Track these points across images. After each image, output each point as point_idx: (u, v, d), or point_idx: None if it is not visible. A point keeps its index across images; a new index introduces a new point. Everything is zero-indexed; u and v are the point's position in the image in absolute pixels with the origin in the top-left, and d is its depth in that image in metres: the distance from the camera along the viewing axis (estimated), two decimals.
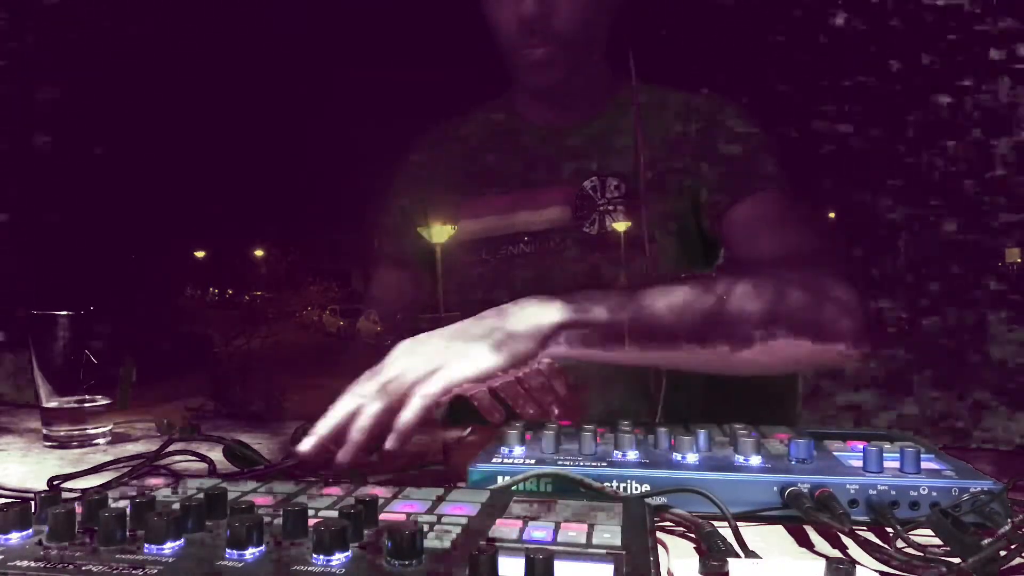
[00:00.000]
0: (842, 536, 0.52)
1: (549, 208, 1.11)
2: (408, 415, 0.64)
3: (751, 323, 0.77)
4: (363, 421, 0.64)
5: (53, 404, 0.84)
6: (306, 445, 0.62)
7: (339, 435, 0.65)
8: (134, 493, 0.49)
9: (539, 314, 0.72)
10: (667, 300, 0.77)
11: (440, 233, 1.04)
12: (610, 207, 1.09)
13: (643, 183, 1.07)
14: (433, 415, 0.67)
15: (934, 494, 0.55)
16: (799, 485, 0.56)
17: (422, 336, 0.72)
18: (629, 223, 1.08)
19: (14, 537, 0.41)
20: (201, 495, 0.46)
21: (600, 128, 1.13)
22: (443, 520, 0.45)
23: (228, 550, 0.39)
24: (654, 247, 1.05)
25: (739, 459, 0.60)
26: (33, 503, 0.44)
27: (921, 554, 0.47)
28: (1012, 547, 0.45)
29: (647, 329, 0.76)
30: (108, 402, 0.86)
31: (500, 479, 0.59)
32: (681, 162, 1.08)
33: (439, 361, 0.68)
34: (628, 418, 0.70)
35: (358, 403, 0.65)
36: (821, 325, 0.80)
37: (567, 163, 1.13)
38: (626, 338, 0.75)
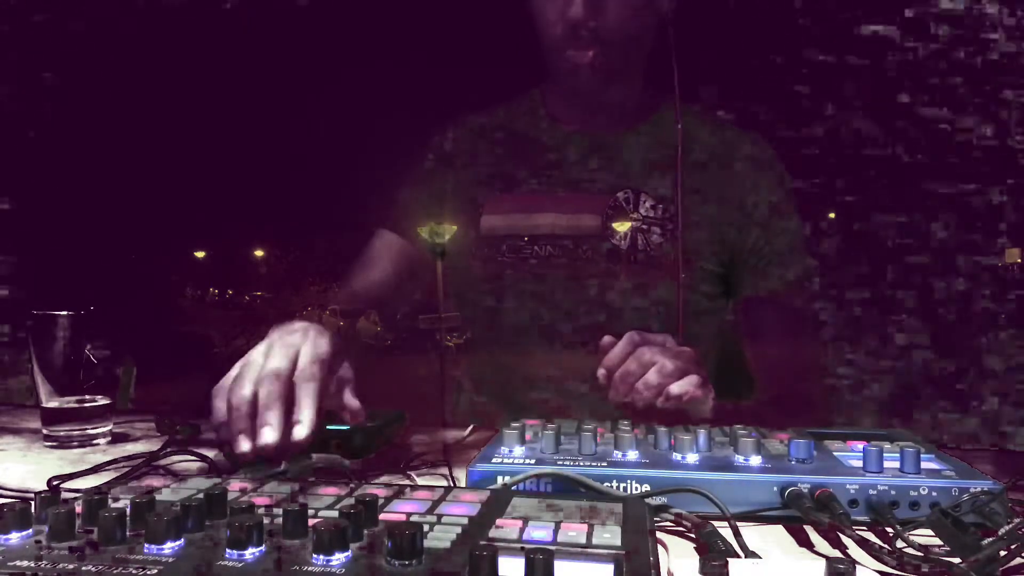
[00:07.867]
0: (842, 536, 0.52)
1: (579, 214, 1.10)
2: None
3: None
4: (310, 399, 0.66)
5: (53, 404, 0.84)
6: (245, 446, 0.63)
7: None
8: (134, 493, 0.49)
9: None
10: None
11: (448, 231, 1.02)
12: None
13: (681, 207, 1.03)
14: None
15: (934, 494, 0.55)
16: (799, 485, 0.56)
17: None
18: (628, 226, 1.08)
19: (14, 537, 0.41)
20: (201, 495, 0.46)
21: (636, 142, 1.12)
22: (443, 520, 0.45)
23: (228, 550, 0.39)
24: (688, 274, 1.05)
25: (739, 459, 0.60)
26: (33, 503, 0.44)
27: (921, 554, 0.47)
28: (1012, 547, 0.45)
29: None
30: (108, 402, 0.86)
31: (500, 479, 0.59)
32: (715, 198, 1.09)
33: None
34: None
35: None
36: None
37: (599, 171, 1.11)
38: None
